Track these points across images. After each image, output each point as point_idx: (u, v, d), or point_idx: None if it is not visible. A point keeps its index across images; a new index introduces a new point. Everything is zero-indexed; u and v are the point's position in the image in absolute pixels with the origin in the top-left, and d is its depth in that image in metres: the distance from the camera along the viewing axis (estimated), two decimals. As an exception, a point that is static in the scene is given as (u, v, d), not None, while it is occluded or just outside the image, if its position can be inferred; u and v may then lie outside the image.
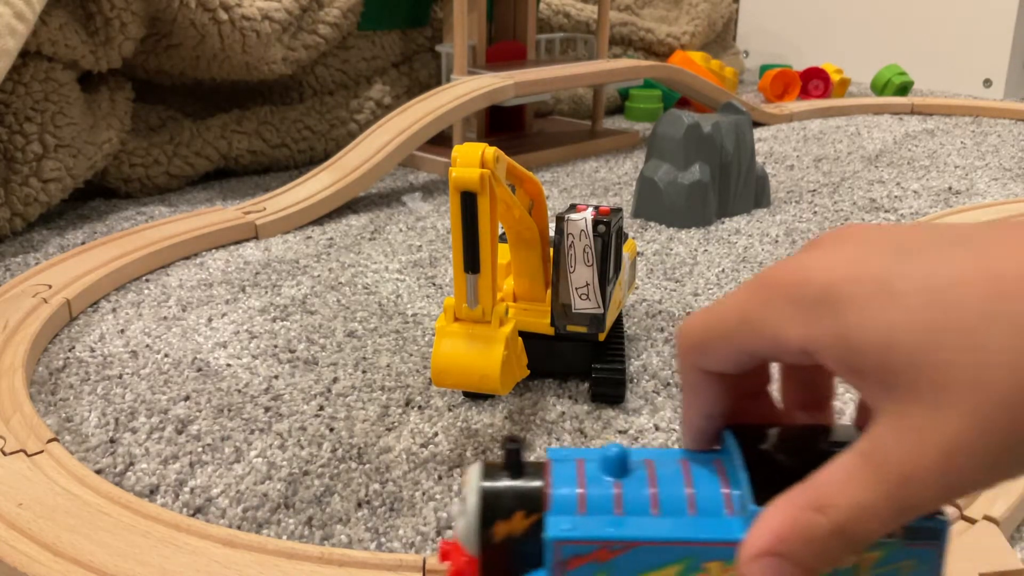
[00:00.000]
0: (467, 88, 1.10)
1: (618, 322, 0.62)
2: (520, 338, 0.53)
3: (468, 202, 0.46)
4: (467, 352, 0.49)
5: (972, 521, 0.44)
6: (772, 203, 1.04)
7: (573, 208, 0.56)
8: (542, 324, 0.58)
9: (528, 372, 0.54)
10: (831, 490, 0.23)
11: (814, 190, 1.10)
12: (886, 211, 1.01)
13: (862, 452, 0.23)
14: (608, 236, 0.54)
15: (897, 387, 0.22)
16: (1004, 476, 0.22)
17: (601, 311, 0.56)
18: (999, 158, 1.27)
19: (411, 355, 0.65)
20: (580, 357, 0.59)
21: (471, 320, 0.49)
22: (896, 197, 1.07)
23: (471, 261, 0.48)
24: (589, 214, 0.55)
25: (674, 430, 0.55)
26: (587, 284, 0.55)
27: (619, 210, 0.57)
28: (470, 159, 0.46)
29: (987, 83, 1.79)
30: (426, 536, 0.45)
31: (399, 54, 1.35)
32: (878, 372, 0.23)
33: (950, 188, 1.10)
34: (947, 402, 0.22)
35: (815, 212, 1.01)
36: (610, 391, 0.58)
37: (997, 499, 0.45)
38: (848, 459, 0.23)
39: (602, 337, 0.58)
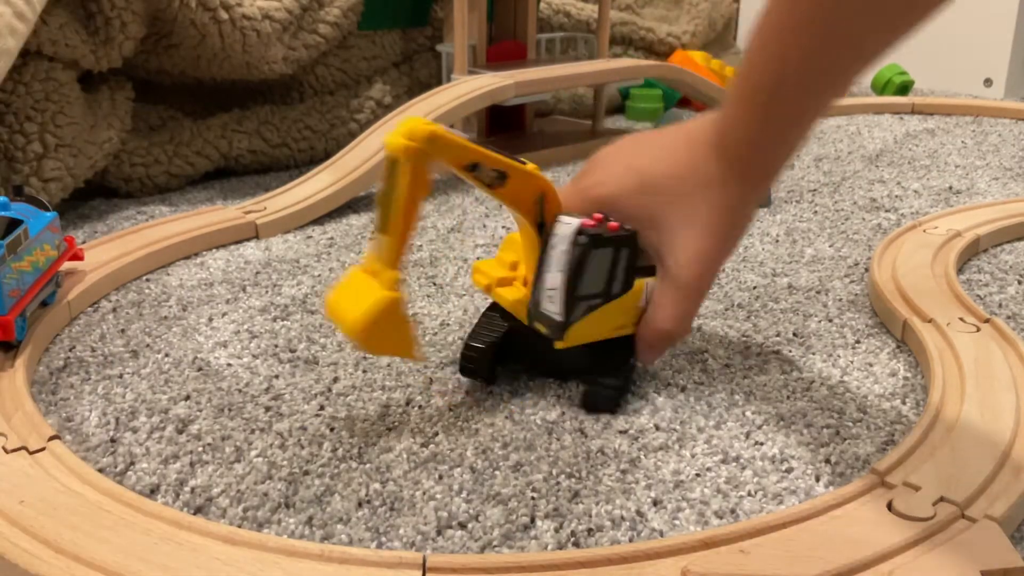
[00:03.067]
0: (467, 88, 1.10)
1: (628, 340, 0.59)
2: (411, 321, 0.54)
3: (392, 167, 0.51)
4: (348, 297, 0.52)
5: (972, 520, 0.44)
6: (772, 203, 1.04)
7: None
8: None
9: (423, 358, 0.57)
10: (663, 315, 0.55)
11: (814, 189, 1.10)
12: (887, 210, 1.01)
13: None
14: (588, 249, 0.53)
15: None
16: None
17: (561, 320, 0.54)
18: (1000, 157, 1.27)
19: (412, 354, 0.65)
20: (580, 361, 0.58)
21: (371, 274, 0.53)
22: (897, 196, 1.07)
23: (382, 222, 0.52)
24: (579, 221, 0.54)
25: (675, 430, 0.55)
26: (554, 288, 0.54)
27: (632, 232, 0.55)
28: (407, 131, 0.50)
29: (988, 83, 1.79)
30: (427, 536, 0.45)
31: (399, 54, 1.35)
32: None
33: (951, 187, 1.10)
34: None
35: (815, 212, 1.01)
36: (600, 404, 0.57)
37: (997, 499, 0.45)
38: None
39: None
